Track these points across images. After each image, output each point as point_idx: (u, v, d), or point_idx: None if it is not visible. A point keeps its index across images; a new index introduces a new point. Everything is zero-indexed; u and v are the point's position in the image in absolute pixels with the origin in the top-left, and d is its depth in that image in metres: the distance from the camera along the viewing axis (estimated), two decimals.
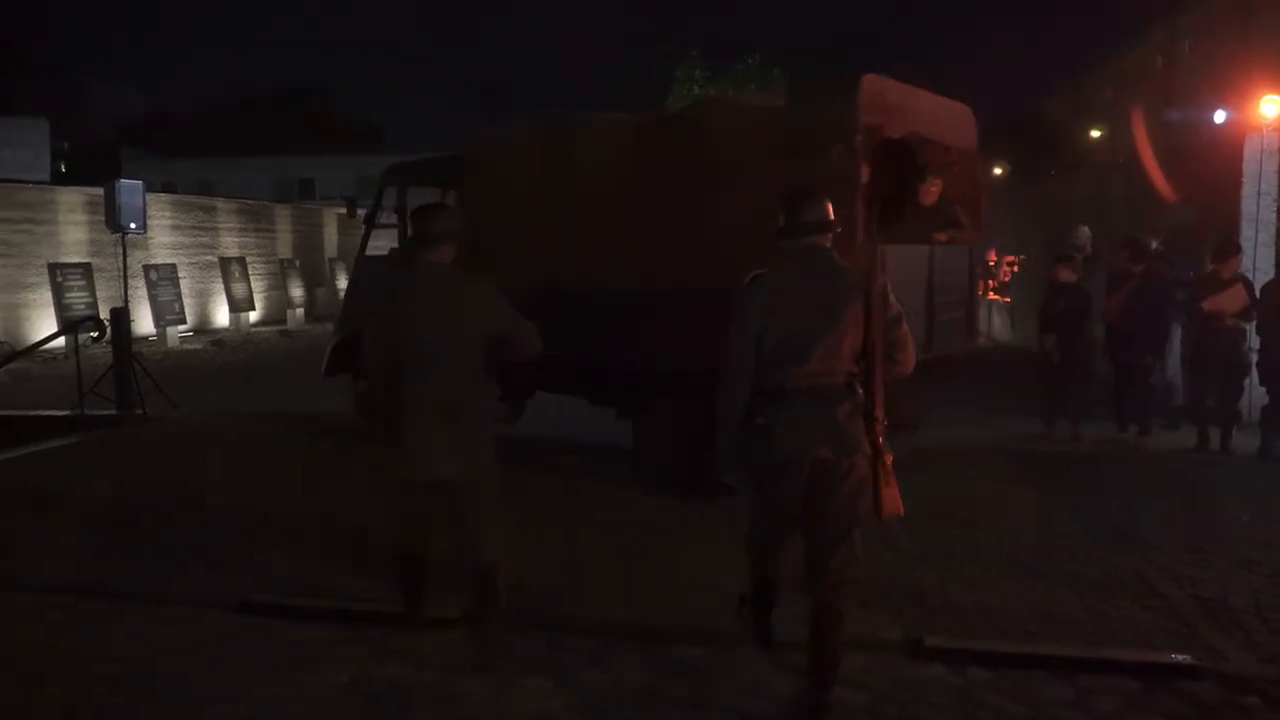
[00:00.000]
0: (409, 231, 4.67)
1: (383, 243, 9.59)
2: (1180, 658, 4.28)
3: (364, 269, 9.58)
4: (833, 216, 3.93)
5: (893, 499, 3.82)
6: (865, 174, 6.35)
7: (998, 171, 41.89)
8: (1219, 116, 10.85)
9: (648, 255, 7.06)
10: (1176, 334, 9.44)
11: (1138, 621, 4.77)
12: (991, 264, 19.55)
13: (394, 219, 9.23)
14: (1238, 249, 8.66)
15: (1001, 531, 6.22)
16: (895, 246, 6.03)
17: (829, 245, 3.93)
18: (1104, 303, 9.19)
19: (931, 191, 7.63)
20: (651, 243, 7.09)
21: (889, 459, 3.82)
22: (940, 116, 7.60)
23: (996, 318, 19.12)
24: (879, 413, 3.79)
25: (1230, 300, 8.34)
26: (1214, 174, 10.26)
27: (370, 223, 9.62)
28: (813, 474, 3.79)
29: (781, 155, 6.56)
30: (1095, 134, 36.98)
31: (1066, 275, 9.09)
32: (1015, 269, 18.00)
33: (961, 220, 7.71)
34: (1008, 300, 18.35)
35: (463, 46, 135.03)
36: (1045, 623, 4.76)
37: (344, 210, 9.89)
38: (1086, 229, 10.29)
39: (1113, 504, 6.90)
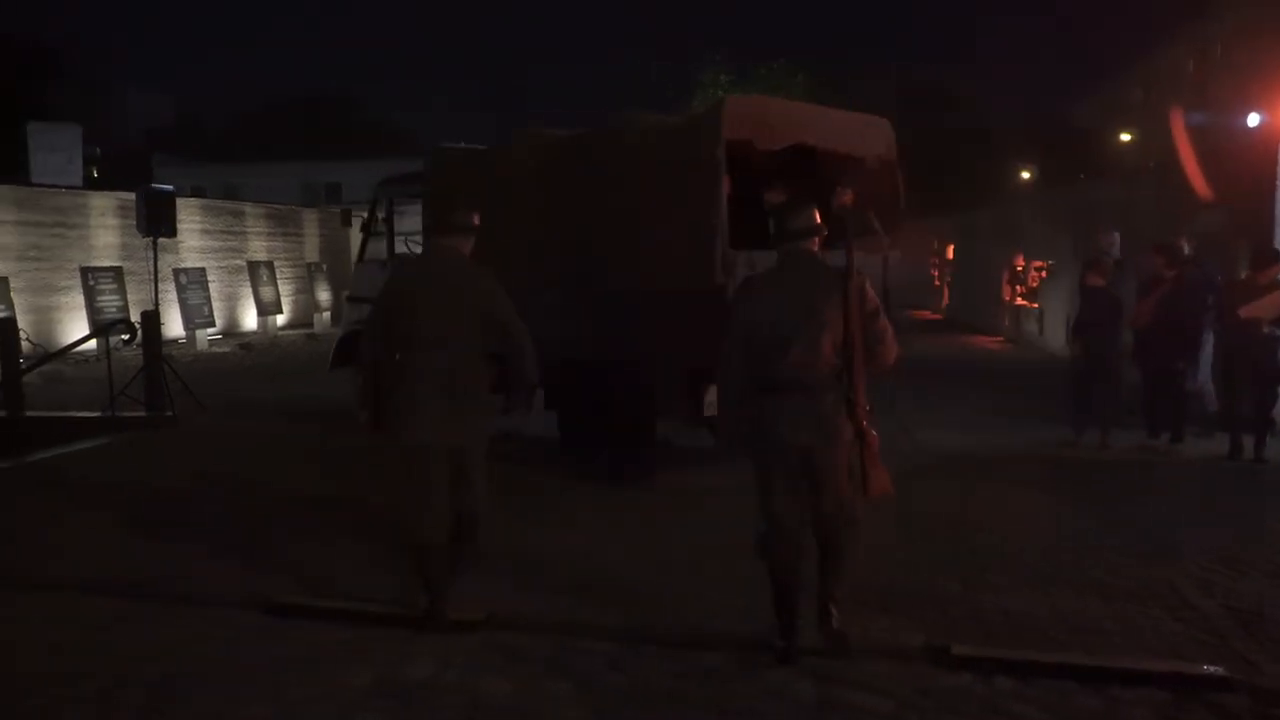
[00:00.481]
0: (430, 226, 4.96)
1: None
2: (1212, 669, 4.21)
3: (364, 272, 10.17)
4: (819, 222, 4.33)
5: (880, 479, 4.18)
6: (726, 185, 6.82)
7: (1025, 176, 41.64)
8: (1252, 120, 10.70)
9: (564, 257, 7.86)
10: (1209, 340, 9.31)
11: (1169, 632, 4.70)
12: (1019, 269, 19.40)
13: (389, 227, 10.03)
14: (1277, 256, 8.53)
15: (1028, 539, 6.15)
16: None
17: (815, 249, 4.34)
18: (1135, 308, 9.08)
19: (843, 200, 7.74)
20: (567, 246, 7.84)
21: (874, 441, 4.16)
22: (844, 129, 7.95)
23: (1024, 323, 18.95)
24: (861, 400, 4.15)
25: (1268, 307, 8.22)
26: (1246, 178, 10.11)
27: (367, 231, 10.24)
28: (802, 460, 4.19)
29: (666, 166, 7.24)
30: (1125, 137, 36.64)
31: (1096, 280, 8.99)
32: (1044, 274, 17.83)
33: (875, 227, 7.85)
34: (1036, 306, 18.18)
35: (497, 49, 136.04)
36: (1073, 632, 4.69)
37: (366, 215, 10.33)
38: (1117, 233, 10.17)
39: (1143, 512, 6.81)
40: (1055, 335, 15.46)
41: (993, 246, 21.83)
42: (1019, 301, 19.53)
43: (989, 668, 4.22)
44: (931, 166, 44.72)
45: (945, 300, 27.68)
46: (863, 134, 8.11)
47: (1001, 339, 20.01)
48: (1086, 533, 6.30)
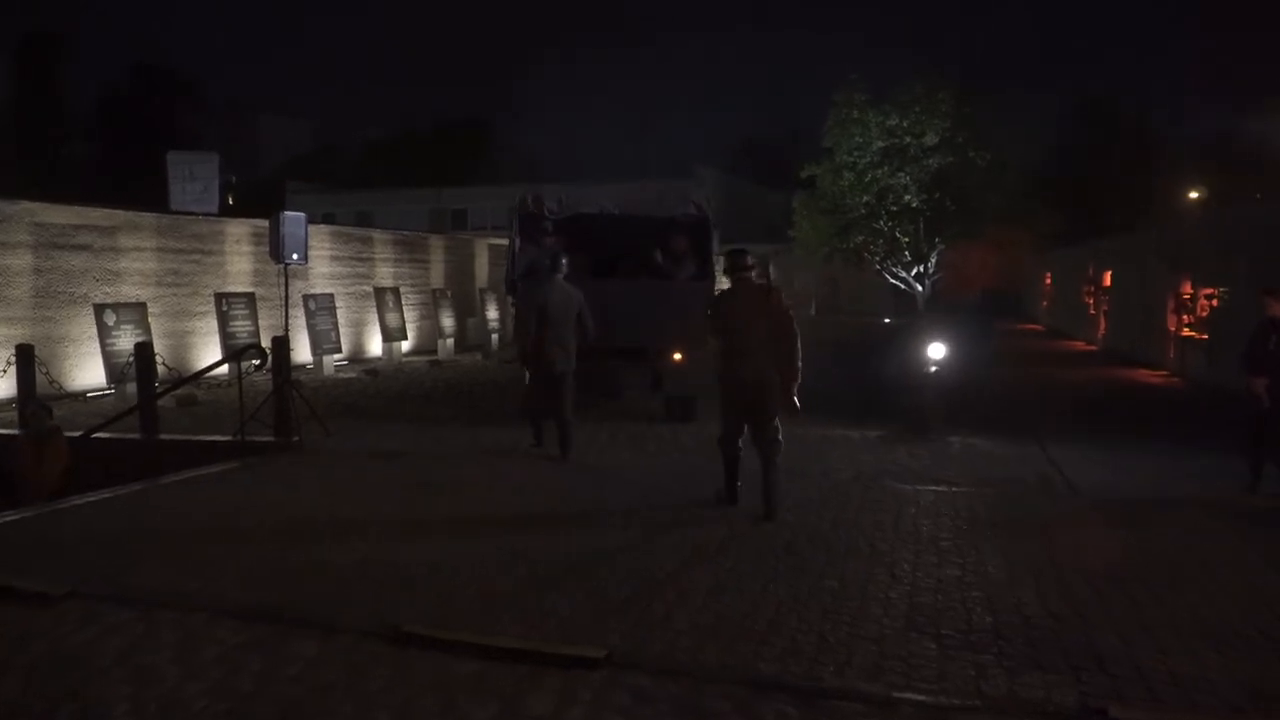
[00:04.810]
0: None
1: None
2: None
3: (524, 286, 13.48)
4: (752, 262, 7.57)
5: (790, 405, 7.21)
6: (518, 243, 12.98)
7: (1193, 195, 39.46)
8: None
9: None
10: None
11: None
12: (1187, 297, 18.09)
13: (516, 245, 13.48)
14: None
15: (1197, 593, 5.66)
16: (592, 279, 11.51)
17: (753, 277, 7.52)
18: None
19: (675, 245, 12.68)
20: None
21: (791, 382, 7.17)
22: (639, 200, 13.40)
23: (1190, 355, 17.74)
24: (784, 359, 7.18)
25: None
26: None
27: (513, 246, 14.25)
28: (754, 391, 7.25)
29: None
30: None
31: (1279, 310, 8.29)
32: (1215, 303, 16.63)
33: (687, 267, 12.62)
34: (1205, 337, 16.94)
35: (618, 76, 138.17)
36: (1251, 698, 4.25)
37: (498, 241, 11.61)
38: None
39: None
40: (1227, 369, 14.49)
41: (1156, 272, 20.59)
42: (1185, 332, 18.31)
43: None
44: (1086, 186, 42.85)
45: (1101, 330, 26.21)
46: (660, 202, 13.36)
47: (1166, 373, 18.87)
48: (1265, 587, 5.77)
